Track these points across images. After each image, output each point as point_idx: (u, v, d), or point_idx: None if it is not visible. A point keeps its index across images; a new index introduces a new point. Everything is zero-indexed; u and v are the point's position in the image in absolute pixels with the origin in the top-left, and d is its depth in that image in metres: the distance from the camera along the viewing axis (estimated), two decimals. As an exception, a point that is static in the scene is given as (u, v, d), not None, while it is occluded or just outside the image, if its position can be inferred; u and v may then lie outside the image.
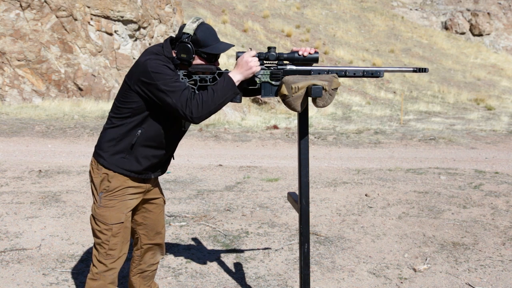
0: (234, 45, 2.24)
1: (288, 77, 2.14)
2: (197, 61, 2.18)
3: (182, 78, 2.17)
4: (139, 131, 2.18)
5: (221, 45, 2.19)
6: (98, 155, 2.24)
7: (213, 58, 2.19)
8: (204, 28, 2.16)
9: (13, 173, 6.27)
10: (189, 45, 2.12)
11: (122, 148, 2.20)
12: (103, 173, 2.21)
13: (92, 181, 2.27)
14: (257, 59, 2.12)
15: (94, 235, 2.26)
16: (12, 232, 3.99)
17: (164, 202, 2.52)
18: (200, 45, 2.14)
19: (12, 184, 5.69)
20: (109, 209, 2.20)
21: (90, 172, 2.28)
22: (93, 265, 2.25)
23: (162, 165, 2.35)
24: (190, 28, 2.13)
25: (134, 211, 2.38)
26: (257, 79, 2.18)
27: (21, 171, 6.42)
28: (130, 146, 2.19)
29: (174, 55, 2.18)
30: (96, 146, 2.29)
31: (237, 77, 2.09)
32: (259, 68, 2.12)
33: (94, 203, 2.26)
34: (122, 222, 2.22)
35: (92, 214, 2.26)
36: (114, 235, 2.21)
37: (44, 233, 3.99)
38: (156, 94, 2.07)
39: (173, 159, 2.44)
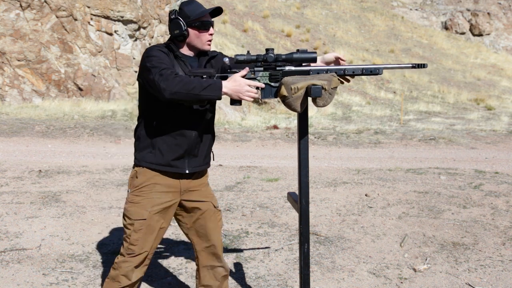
0: (221, 7, 2.24)
1: (287, 78, 2.14)
2: (192, 36, 2.20)
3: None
4: (154, 122, 2.21)
5: (207, 8, 2.23)
6: (134, 155, 2.31)
7: (206, 25, 2.20)
8: (188, 1, 2.21)
9: (13, 173, 6.28)
10: (178, 20, 2.17)
11: (146, 144, 2.24)
12: (134, 170, 2.29)
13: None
14: (254, 90, 2.08)
15: (124, 228, 2.32)
16: (12, 232, 4.00)
17: (216, 208, 2.41)
18: (188, 16, 2.17)
19: (12, 184, 5.69)
20: (134, 204, 2.24)
21: None
22: (117, 256, 2.32)
23: (190, 157, 2.27)
24: (175, 5, 2.20)
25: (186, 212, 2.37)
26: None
27: (21, 171, 6.42)
28: (152, 140, 2.23)
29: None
30: None
31: (225, 89, 2.04)
32: (250, 99, 2.10)
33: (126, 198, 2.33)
34: (145, 219, 2.23)
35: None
36: (135, 230, 2.23)
37: (44, 233, 3.99)
38: (145, 75, 2.08)
39: (213, 158, 2.38)
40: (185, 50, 2.25)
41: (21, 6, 13.06)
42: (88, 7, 13.80)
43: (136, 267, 2.27)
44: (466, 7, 32.93)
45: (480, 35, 31.60)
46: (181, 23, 2.16)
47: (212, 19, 2.25)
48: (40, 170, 6.43)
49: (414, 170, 7.05)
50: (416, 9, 33.02)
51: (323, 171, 6.95)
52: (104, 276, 3.22)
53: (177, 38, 2.20)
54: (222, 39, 19.99)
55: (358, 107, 16.35)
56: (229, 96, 2.07)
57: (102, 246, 3.76)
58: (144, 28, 15.32)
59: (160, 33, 16.38)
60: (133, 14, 14.48)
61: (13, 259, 3.45)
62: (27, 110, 12.04)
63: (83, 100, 13.20)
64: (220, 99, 2.05)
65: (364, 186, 5.84)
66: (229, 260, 3.53)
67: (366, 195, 5.41)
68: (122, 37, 14.68)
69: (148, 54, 2.13)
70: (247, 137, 10.43)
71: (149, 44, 15.71)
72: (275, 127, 11.46)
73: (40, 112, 11.81)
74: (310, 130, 11.45)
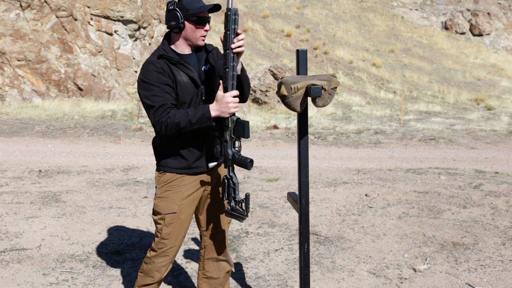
0: (219, 4, 2.23)
1: (287, 78, 2.14)
2: (188, 29, 2.20)
3: None
4: None
5: (206, 4, 2.24)
6: (157, 163, 2.35)
7: (203, 21, 2.20)
8: None
9: (13, 173, 6.28)
10: (176, 12, 2.17)
11: (167, 151, 2.28)
12: (159, 172, 2.32)
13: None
14: (237, 100, 2.13)
15: (154, 224, 2.36)
16: (12, 232, 4.00)
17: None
18: (187, 9, 2.17)
19: (12, 184, 5.69)
20: (164, 199, 2.29)
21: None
22: (149, 250, 2.36)
23: (209, 156, 2.30)
24: None
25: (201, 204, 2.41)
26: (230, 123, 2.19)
27: (21, 171, 6.43)
28: (172, 147, 2.26)
29: (170, 45, 2.25)
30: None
31: (214, 113, 2.11)
32: (237, 110, 2.14)
33: (155, 195, 2.37)
34: (175, 213, 2.27)
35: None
36: (166, 224, 2.28)
37: (44, 233, 3.99)
38: (143, 106, 2.19)
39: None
40: (181, 45, 2.25)
41: (21, 6, 13.06)
42: (88, 7, 13.80)
43: (169, 262, 2.34)
44: (466, 7, 32.93)
45: (480, 35, 31.59)
46: (179, 15, 2.17)
47: (209, 15, 2.25)
48: (40, 170, 6.43)
49: (414, 170, 7.05)
50: (416, 9, 33.02)
51: (323, 171, 6.95)
52: (104, 276, 3.22)
53: (173, 29, 2.21)
54: (222, 39, 19.98)
55: (358, 107, 16.34)
56: (220, 117, 2.13)
57: (102, 246, 3.76)
58: (144, 28, 15.32)
59: (160, 33, 16.38)
60: (133, 14, 14.48)
61: (13, 259, 3.46)
62: (27, 110, 12.04)
63: (83, 100, 13.20)
64: (213, 124, 2.12)
65: (364, 186, 5.84)
66: (229, 260, 3.53)
67: (366, 195, 5.41)
68: (122, 37, 14.68)
69: (144, 78, 2.16)
70: (247, 137, 10.42)
71: (149, 44, 15.72)
72: (275, 127, 11.45)
73: (40, 112, 11.81)
74: (310, 130, 11.45)
